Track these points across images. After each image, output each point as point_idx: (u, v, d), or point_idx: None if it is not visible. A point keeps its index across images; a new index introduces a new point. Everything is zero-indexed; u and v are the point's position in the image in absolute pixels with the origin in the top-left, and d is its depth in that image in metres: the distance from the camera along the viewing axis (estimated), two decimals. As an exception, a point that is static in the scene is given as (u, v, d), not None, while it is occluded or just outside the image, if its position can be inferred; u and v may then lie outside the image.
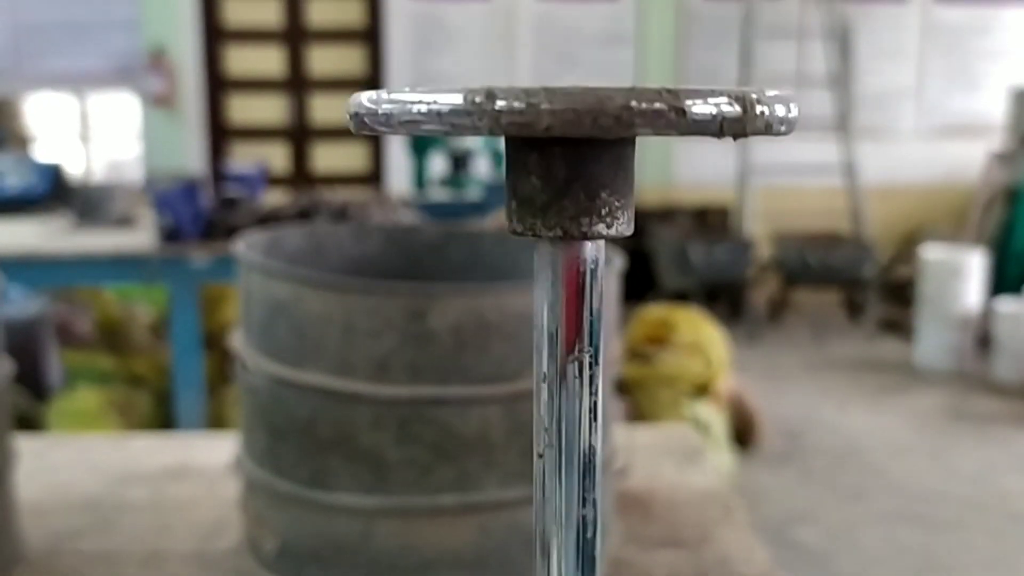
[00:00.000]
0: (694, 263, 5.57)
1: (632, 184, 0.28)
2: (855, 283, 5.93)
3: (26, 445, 1.46)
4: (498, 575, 1.04)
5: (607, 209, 0.27)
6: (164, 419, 3.34)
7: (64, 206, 4.02)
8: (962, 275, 5.01)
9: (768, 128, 0.25)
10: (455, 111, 0.24)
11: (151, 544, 1.25)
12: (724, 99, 0.24)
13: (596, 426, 0.28)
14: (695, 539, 1.26)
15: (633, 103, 0.23)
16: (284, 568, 1.08)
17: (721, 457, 3.43)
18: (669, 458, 1.56)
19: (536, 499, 0.29)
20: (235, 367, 1.13)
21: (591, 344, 0.28)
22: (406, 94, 0.25)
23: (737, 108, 0.24)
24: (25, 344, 3.43)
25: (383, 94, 0.26)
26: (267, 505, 1.10)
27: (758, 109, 0.25)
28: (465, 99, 0.23)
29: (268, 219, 3.28)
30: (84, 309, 3.71)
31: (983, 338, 5.06)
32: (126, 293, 3.74)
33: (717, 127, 0.24)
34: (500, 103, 0.23)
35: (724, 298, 5.89)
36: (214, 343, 3.37)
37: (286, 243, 1.28)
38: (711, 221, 6.51)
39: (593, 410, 0.28)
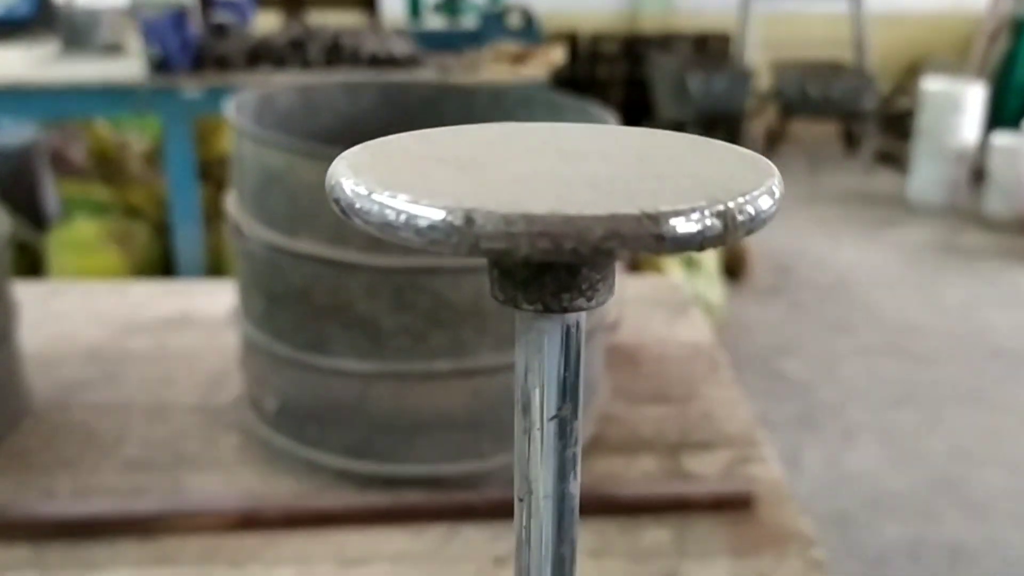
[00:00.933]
0: (692, 93, 5.48)
1: (613, 257, 0.29)
2: (854, 114, 5.87)
3: (28, 292, 1.48)
4: (490, 434, 1.09)
5: (588, 284, 0.28)
6: (163, 250, 3.36)
7: (48, 31, 3.92)
8: (961, 108, 4.94)
9: (750, 232, 0.26)
10: (433, 227, 0.24)
11: (155, 396, 1.29)
12: (707, 216, 0.24)
13: (575, 473, 0.30)
14: (681, 395, 1.31)
15: (613, 232, 0.23)
16: (284, 425, 1.13)
17: (712, 290, 3.49)
18: (658, 311, 1.59)
19: (517, 539, 0.31)
20: (230, 230, 1.14)
21: (571, 401, 0.29)
22: (388, 198, 0.25)
23: (719, 224, 0.25)
24: (20, 172, 3.42)
25: (362, 190, 0.26)
26: (266, 366, 1.13)
27: (739, 219, 0.25)
28: (443, 220, 0.24)
29: (259, 50, 3.22)
30: (77, 138, 3.67)
31: (977, 172, 5.05)
32: (119, 122, 3.69)
33: (698, 245, 0.24)
34: (478, 228, 0.23)
35: (721, 129, 5.83)
36: (209, 174, 3.36)
37: (278, 102, 1.27)
38: (711, 48, 6.37)
39: (572, 460, 0.30)
